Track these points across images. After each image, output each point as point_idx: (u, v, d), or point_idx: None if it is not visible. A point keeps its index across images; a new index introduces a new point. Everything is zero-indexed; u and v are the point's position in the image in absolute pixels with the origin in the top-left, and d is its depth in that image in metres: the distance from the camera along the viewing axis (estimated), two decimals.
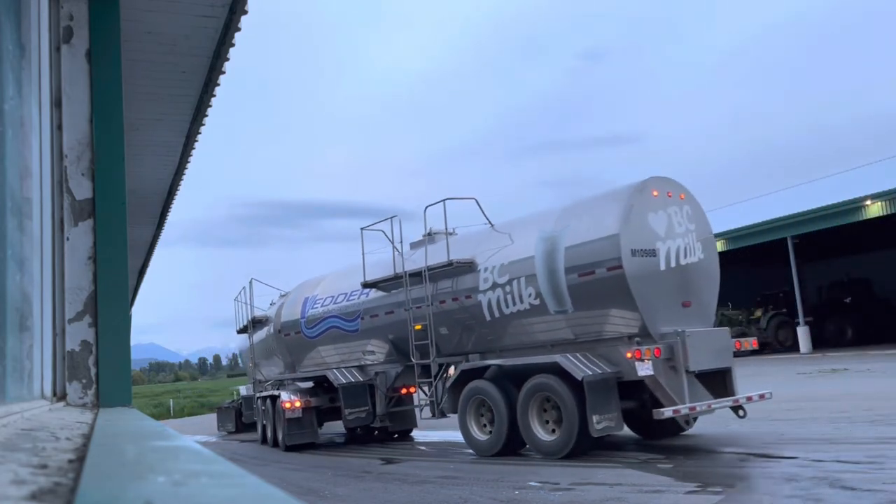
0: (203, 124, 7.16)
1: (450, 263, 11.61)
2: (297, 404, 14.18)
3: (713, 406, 9.60)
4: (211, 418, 34.43)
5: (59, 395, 3.19)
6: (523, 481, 8.38)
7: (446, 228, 12.55)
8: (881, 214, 25.67)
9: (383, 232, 13.03)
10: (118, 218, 3.40)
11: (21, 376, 2.57)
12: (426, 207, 12.62)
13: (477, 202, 12.36)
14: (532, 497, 7.51)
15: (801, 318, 28.92)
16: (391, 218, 12.95)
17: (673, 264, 9.97)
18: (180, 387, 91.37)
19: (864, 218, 26.26)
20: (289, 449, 14.27)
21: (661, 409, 9.18)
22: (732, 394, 9.91)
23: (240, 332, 19.27)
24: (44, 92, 3.22)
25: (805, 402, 13.35)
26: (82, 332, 3.26)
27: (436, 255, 12.09)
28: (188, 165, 8.53)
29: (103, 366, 3.25)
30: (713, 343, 9.89)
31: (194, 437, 19.54)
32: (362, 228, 13.49)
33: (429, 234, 13.09)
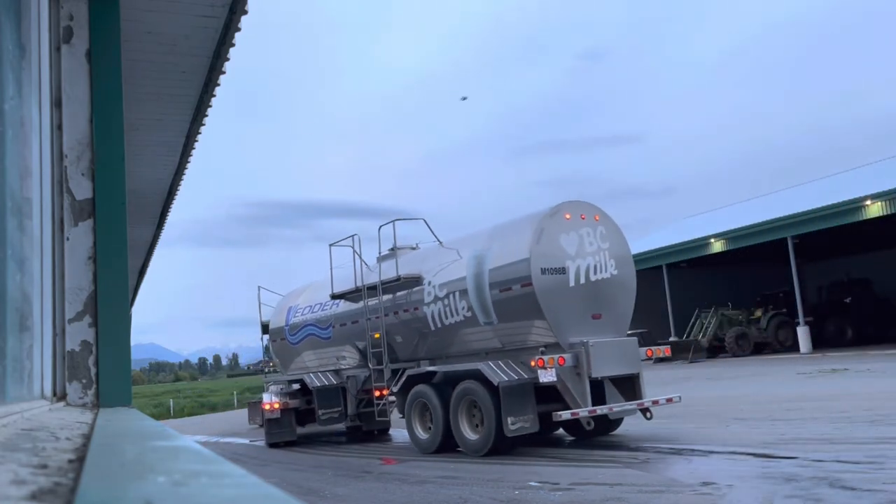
0: (203, 124, 7.16)
1: (398, 279, 12.76)
2: (276, 405, 15.41)
3: (615, 409, 10.59)
4: (212, 418, 34.46)
5: (59, 395, 3.19)
6: (523, 481, 8.38)
7: (395, 245, 13.78)
8: (881, 214, 25.65)
9: (352, 248, 14.07)
10: (118, 218, 3.40)
11: (21, 376, 2.57)
12: (380, 227, 13.74)
13: (426, 222, 13.48)
14: (532, 497, 7.51)
15: (801, 318, 28.92)
16: (353, 236, 14.23)
17: (582, 280, 10.93)
18: (180, 387, 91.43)
19: (864, 218, 26.25)
20: (271, 446, 15.42)
21: (560, 413, 10.20)
22: (640, 398, 10.88)
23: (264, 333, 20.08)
24: (44, 92, 3.22)
25: (805, 402, 13.36)
26: (82, 332, 3.26)
27: (394, 270, 13.11)
28: (188, 165, 8.52)
29: (103, 366, 3.25)
30: (618, 352, 10.82)
31: (194, 437, 19.56)
32: (330, 245, 14.60)
33: (392, 249, 14.08)
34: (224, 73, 5.97)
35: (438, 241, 13.21)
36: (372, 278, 13.48)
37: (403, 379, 12.47)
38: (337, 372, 15.30)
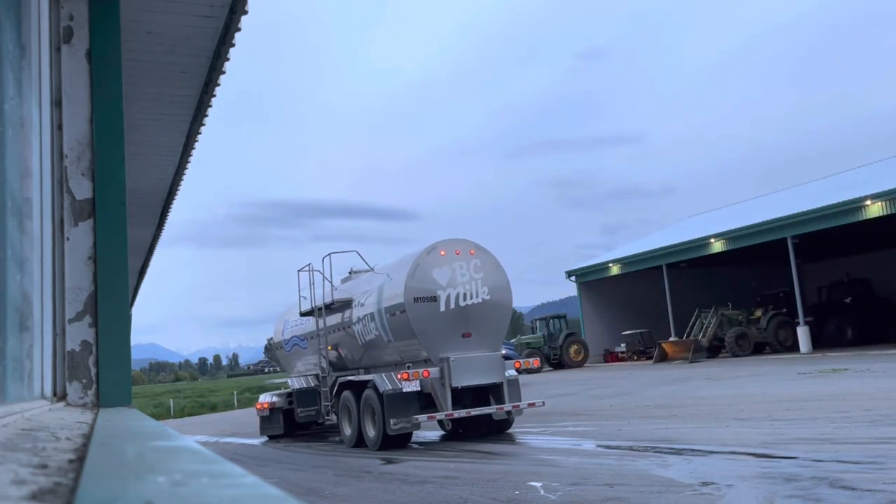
0: (203, 124, 7.15)
1: (333, 303, 15.10)
2: (265, 405, 18.03)
3: (472, 413, 12.55)
4: (212, 418, 34.46)
5: (60, 395, 3.19)
6: (523, 481, 8.38)
7: (331, 277, 15.71)
8: (881, 214, 25.65)
9: (321, 272, 15.91)
10: (118, 218, 3.40)
11: (21, 376, 2.57)
12: (323, 258, 15.63)
13: (358, 254, 15.74)
14: (532, 497, 7.51)
15: (801, 318, 28.90)
16: (309, 265, 16.02)
17: (452, 306, 12.79)
18: (180, 387, 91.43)
19: (864, 218, 26.24)
20: (270, 438, 17.99)
21: (417, 416, 12.28)
22: (503, 402, 12.69)
23: None
24: (44, 92, 3.21)
25: (805, 402, 13.35)
26: (82, 332, 3.25)
27: (347, 291, 15.35)
28: (188, 165, 8.52)
29: (103, 366, 3.25)
30: (481, 365, 12.68)
31: (194, 437, 19.58)
32: (298, 270, 16.40)
33: (350, 273, 16.33)
34: (224, 73, 5.97)
35: (371, 268, 15.37)
36: (335, 296, 15.52)
37: (336, 386, 14.88)
38: (316, 376, 16.99)
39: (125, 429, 2.09)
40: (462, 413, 12.40)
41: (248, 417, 30.59)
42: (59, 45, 3.43)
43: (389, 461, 11.55)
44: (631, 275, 38.18)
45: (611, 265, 38.50)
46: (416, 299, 12.67)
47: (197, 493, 0.84)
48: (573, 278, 40.96)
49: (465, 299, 12.84)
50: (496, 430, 13.35)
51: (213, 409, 43.41)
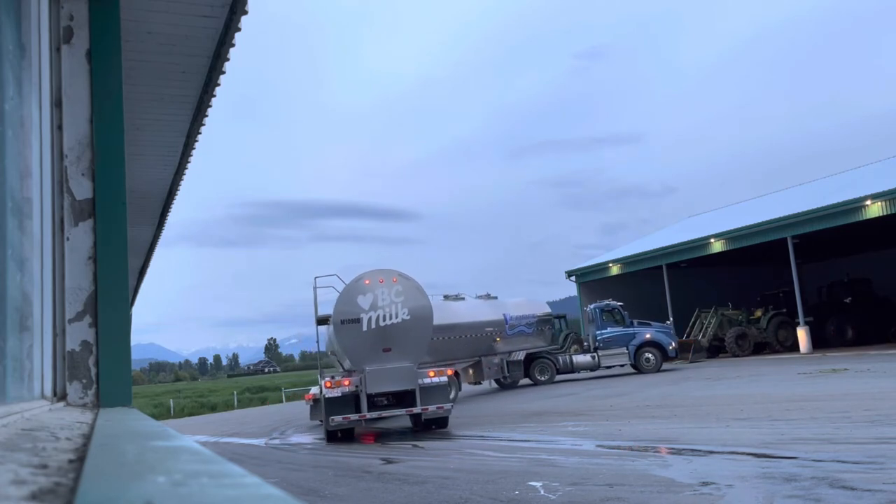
0: (203, 124, 7.15)
1: (324, 318, 16.91)
2: (311, 396, 20.56)
3: (384, 415, 15.68)
4: (211, 418, 34.43)
5: (60, 395, 3.18)
6: (523, 481, 8.38)
7: (315, 300, 17.51)
8: (881, 214, 25.65)
9: (333, 287, 17.52)
10: (118, 218, 3.39)
11: (21, 376, 2.57)
12: (315, 278, 17.58)
13: (338, 276, 17.51)
14: (532, 497, 7.51)
15: (801, 318, 28.90)
16: (313, 283, 17.70)
17: (373, 326, 15.11)
18: (180, 387, 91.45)
19: (864, 218, 26.24)
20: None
21: (334, 417, 14.73)
22: (414, 406, 14.96)
23: None
24: (44, 92, 3.21)
25: (805, 402, 13.35)
26: (82, 332, 3.25)
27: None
28: (188, 165, 8.52)
29: (103, 366, 3.25)
30: (395, 374, 14.91)
31: (194, 437, 19.58)
32: (314, 288, 17.85)
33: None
34: (224, 72, 5.96)
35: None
36: (325, 312, 17.44)
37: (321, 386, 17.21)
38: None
39: (125, 429, 2.08)
40: (374, 415, 15.04)
41: (249, 417, 30.61)
42: (59, 45, 3.43)
43: (389, 461, 11.55)
44: (631, 275, 38.18)
45: (611, 265, 38.50)
46: (342, 321, 15.19)
47: (197, 493, 0.84)
48: (573, 278, 40.96)
49: (384, 320, 15.11)
50: (433, 426, 15.57)
51: (213, 409, 43.41)
